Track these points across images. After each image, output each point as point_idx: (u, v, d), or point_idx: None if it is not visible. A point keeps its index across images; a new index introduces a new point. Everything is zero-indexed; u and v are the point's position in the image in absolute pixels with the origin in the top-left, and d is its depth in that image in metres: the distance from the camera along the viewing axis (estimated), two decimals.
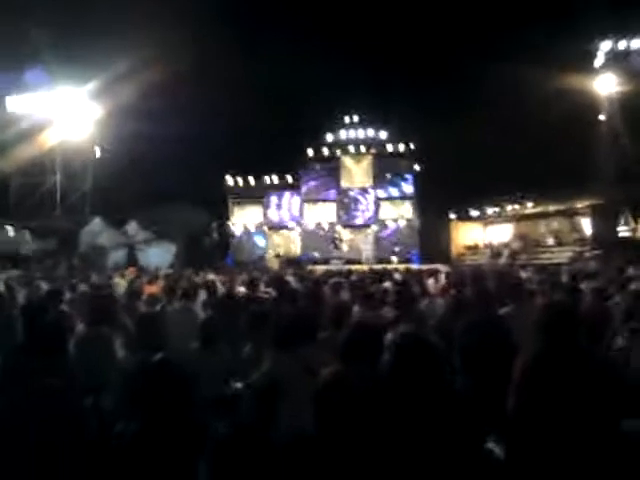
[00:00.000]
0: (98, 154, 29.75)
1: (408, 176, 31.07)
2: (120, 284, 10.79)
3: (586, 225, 24.99)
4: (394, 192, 31.43)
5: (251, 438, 2.10)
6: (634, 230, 23.22)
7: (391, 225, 30.96)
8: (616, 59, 23.48)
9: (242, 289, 8.87)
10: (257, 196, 32.07)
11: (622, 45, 23.50)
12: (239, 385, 4.05)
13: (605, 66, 23.71)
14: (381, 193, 31.37)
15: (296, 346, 3.72)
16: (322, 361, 3.57)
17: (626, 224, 23.37)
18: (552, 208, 26.63)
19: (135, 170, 25.23)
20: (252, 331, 4.46)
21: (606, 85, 23.67)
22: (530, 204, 27.35)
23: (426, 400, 2.43)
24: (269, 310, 5.18)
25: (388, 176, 31.22)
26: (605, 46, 23.60)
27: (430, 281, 10.60)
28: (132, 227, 28.98)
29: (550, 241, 26.52)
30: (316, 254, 29.49)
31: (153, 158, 25.70)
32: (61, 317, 4.90)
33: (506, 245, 27.21)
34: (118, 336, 4.80)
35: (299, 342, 3.74)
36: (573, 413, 2.74)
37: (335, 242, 29.57)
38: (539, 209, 27.27)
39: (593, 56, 23.84)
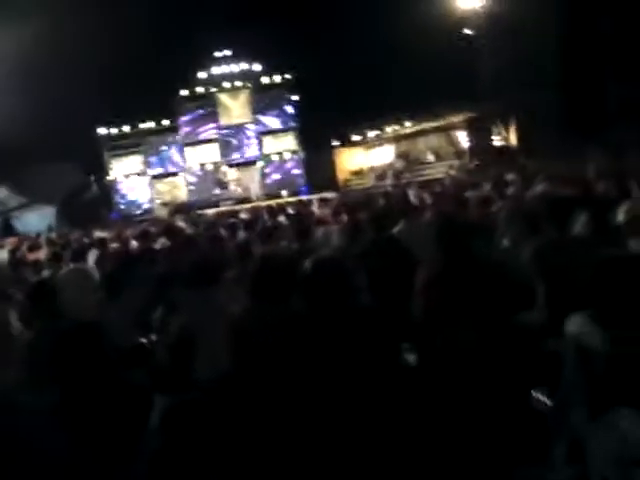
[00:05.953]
0: None
1: (287, 107, 30.80)
2: (1, 256, 10.12)
3: (462, 138, 26.02)
4: (275, 125, 31.10)
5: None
6: (506, 139, 24.65)
7: (276, 159, 30.77)
8: None
9: (134, 243, 8.63)
10: (134, 145, 30.62)
11: None
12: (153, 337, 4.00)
13: None
14: (262, 127, 30.95)
15: (204, 288, 3.73)
16: (232, 300, 3.61)
17: (498, 134, 24.76)
18: (430, 125, 27.47)
19: None
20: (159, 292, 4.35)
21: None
22: (408, 123, 28.05)
23: (344, 320, 2.53)
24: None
25: (267, 109, 30.74)
26: None
27: (322, 210, 10.83)
28: (2, 193, 26.89)
29: (430, 157, 27.49)
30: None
31: (11, 112, 23.49)
32: None
33: (389, 166, 27.90)
34: (11, 310, 4.54)
35: (206, 284, 3.75)
36: (474, 311, 2.97)
37: (222, 183, 29.04)
38: (417, 127, 27.98)
39: None
